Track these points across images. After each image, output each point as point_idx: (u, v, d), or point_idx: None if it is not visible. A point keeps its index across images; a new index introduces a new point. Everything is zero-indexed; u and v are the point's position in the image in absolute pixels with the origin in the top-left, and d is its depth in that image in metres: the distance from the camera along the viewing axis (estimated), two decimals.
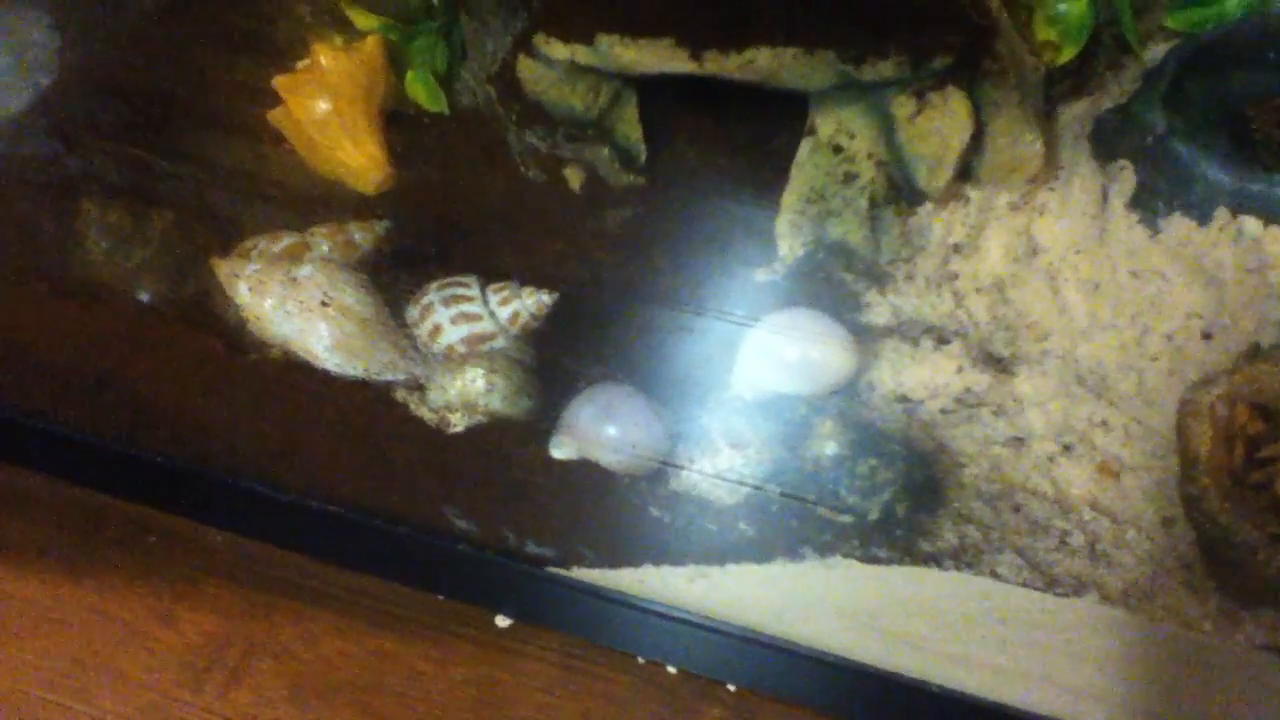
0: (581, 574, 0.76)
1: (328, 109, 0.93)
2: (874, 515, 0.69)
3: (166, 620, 0.83)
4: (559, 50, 0.84)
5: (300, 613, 0.82)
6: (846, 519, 0.70)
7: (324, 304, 0.76)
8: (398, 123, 0.96)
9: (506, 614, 0.81)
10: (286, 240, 0.83)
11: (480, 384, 0.76)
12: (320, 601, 0.83)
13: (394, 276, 0.85)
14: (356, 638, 0.81)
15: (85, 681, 0.80)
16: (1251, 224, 0.77)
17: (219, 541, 0.86)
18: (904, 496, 0.70)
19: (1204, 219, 0.79)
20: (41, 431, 0.85)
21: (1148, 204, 0.82)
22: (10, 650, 0.82)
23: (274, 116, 0.95)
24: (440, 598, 0.82)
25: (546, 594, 0.78)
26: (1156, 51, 0.89)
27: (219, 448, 0.81)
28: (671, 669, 0.77)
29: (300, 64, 0.96)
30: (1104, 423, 0.76)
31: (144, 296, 0.83)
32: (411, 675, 0.79)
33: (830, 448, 0.70)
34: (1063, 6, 0.86)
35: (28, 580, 0.85)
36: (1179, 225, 0.80)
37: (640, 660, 0.78)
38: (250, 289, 0.78)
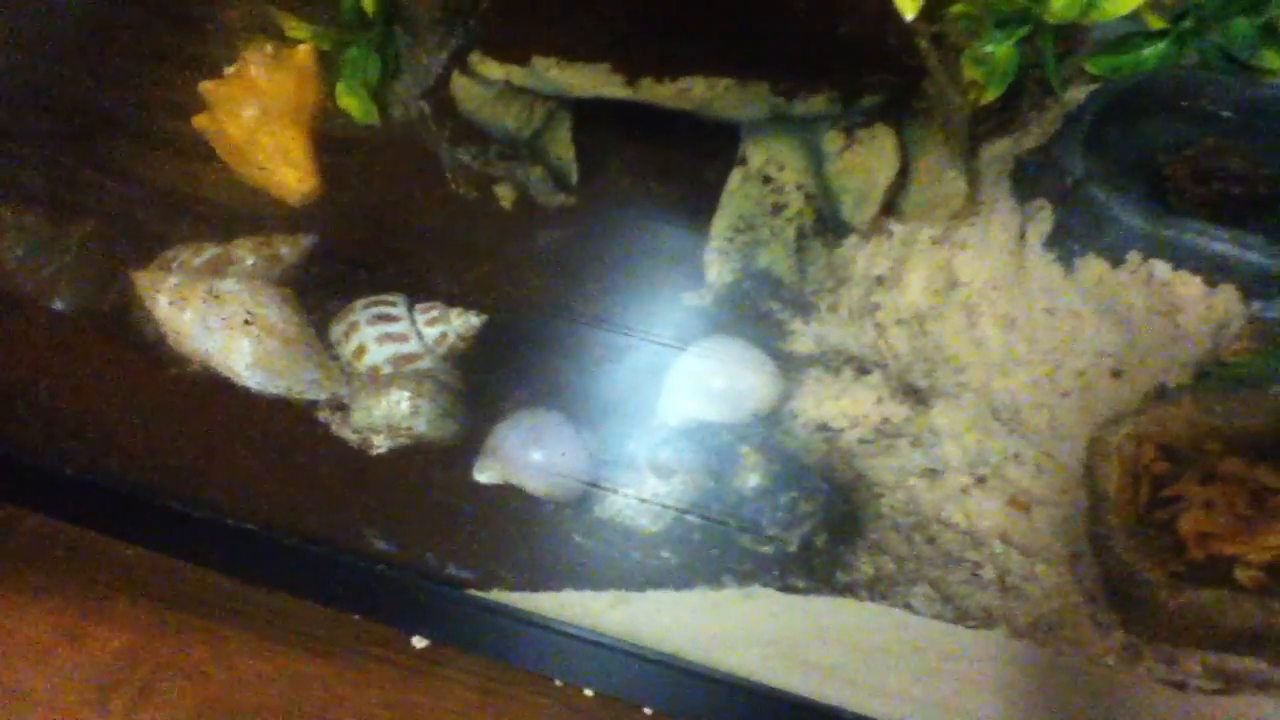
0: (500, 596, 0.76)
1: (255, 116, 0.92)
2: (793, 546, 0.70)
3: (74, 637, 0.81)
4: (495, 70, 0.84)
5: (214, 631, 0.81)
6: (767, 549, 0.71)
7: (247, 322, 0.74)
8: (327, 134, 0.95)
9: (424, 635, 0.80)
10: (209, 252, 0.81)
11: (405, 406, 0.75)
12: (234, 620, 0.81)
13: (318, 293, 0.84)
14: (271, 658, 0.80)
15: None
16: (1162, 268, 0.79)
17: (130, 556, 0.84)
18: (823, 528, 0.71)
19: (1117, 261, 0.81)
20: None
21: (1064, 244, 0.84)
22: None
23: (199, 123, 0.94)
24: (357, 618, 0.81)
25: (465, 616, 0.77)
26: (1078, 94, 0.92)
27: (133, 462, 0.80)
28: (589, 692, 0.77)
29: (228, 70, 0.94)
30: (1016, 456, 0.78)
31: (59, 306, 0.81)
32: (328, 697, 0.78)
33: (753, 479, 0.71)
34: (990, 48, 0.88)
35: None
36: (1093, 266, 0.83)
37: (558, 683, 0.78)
38: (170, 302, 0.76)
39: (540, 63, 0.82)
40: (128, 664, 0.80)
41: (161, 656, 0.80)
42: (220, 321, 0.75)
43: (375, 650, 0.80)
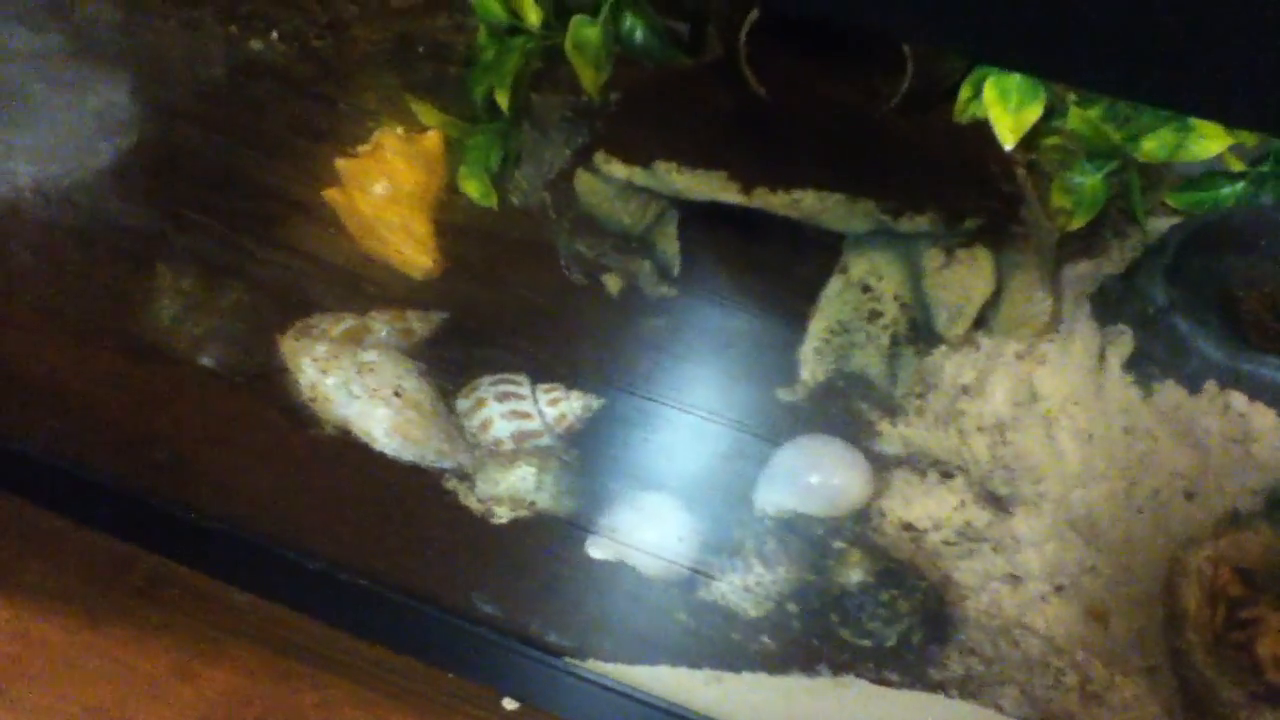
0: (596, 666, 0.80)
1: (384, 194, 0.98)
2: (891, 642, 0.75)
3: (185, 675, 0.85)
4: (618, 170, 0.90)
5: (318, 680, 0.85)
6: (865, 643, 0.75)
7: (396, 393, 0.80)
8: (449, 217, 1.01)
9: (516, 698, 0.84)
10: (347, 322, 0.87)
11: (530, 481, 0.80)
12: (338, 670, 0.85)
13: (443, 365, 0.89)
14: (372, 709, 0.84)
15: None
16: (1239, 399, 0.84)
17: (241, 602, 0.88)
18: (920, 626, 0.75)
19: (1195, 389, 0.86)
20: (80, 479, 0.87)
21: (1143, 368, 0.89)
22: (28, 692, 0.83)
23: (331, 196, 1.00)
24: (451, 676, 0.85)
25: (559, 682, 0.81)
26: (1158, 225, 0.97)
27: (258, 512, 0.84)
28: None
29: (361, 148, 1.01)
30: (1093, 568, 0.82)
31: (207, 363, 0.87)
32: None
33: (856, 575, 0.76)
34: (1079, 179, 0.94)
35: (49, 623, 0.87)
36: (1171, 391, 0.87)
37: None
38: (318, 369, 0.82)
39: (662, 166, 0.88)
40: (237, 704, 0.84)
41: (269, 700, 0.84)
42: (365, 389, 0.80)
43: (468, 709, 0.84)
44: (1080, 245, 0.99)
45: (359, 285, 0.95)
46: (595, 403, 0.85)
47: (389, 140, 1.00)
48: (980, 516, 0.85)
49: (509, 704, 0.84)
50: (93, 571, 0.89)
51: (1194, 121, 0.89)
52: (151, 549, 0.89)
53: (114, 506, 0.88)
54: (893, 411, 0.91)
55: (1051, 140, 0.93)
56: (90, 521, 0.90)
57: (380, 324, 0.87)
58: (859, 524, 0.83)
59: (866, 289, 0.91)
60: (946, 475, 0.87)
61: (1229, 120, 0.76)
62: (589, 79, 0.93)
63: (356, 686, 0.85)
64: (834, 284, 0.91)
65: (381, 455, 0.82)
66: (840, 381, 0.92)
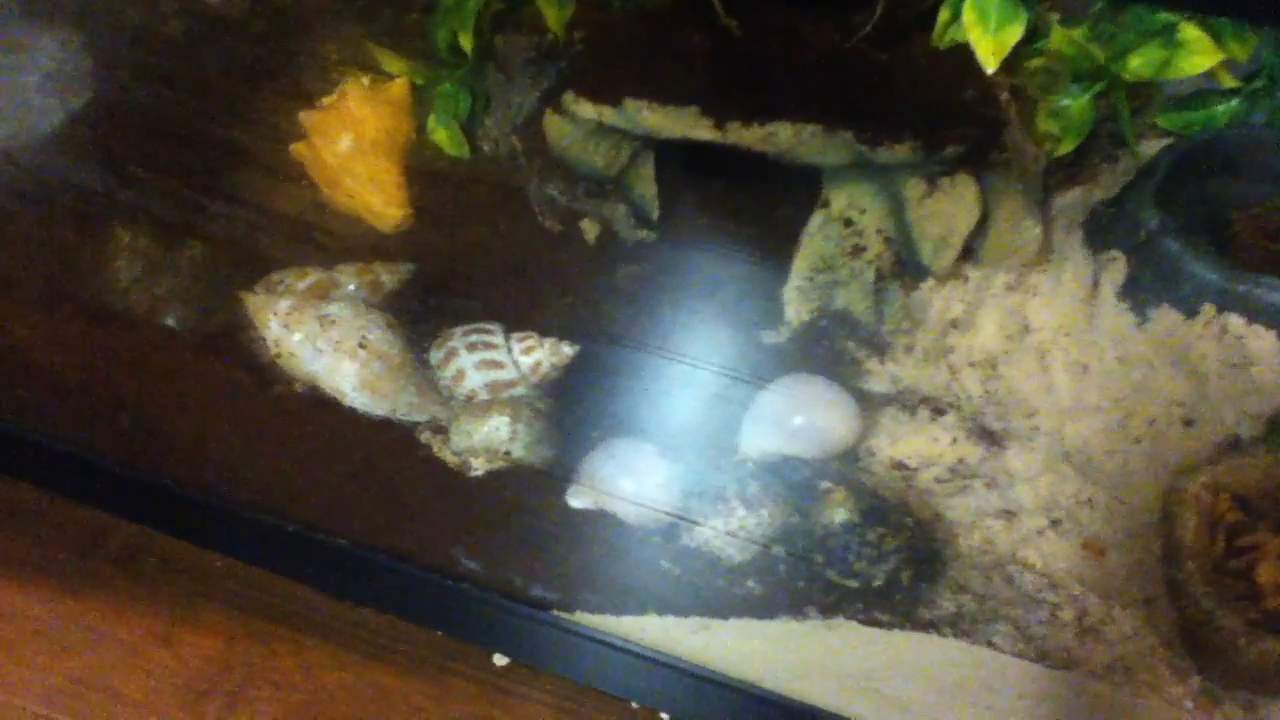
0: (583, 618, 0.78)
1: (350, 146, 0.96)
2: (879, 581, 0.73)
3: (165, 642, 0.84)
4: (587, 110, 0.87)
5: (300, 642, 0.84)
6: (852, 583, 0.73)
7: (361, 346, 0.78)
8: (418, 166, 0.99)
9: (505, 654, 0.82)
10: (313, 277, 0.85)
11: (504, 431, 0.78)
12: (320, 632, 0.84)
13: (413, 317, 0.87)
14: (356, 670, 0.82)
15: (83, 700, 0.80)
16: (1235, 322, 0.81)
17: (219, 566, 0.87)
18: (908, 565, 0.73)
19: (1190, 313, 0.83)
20: (51, 449, 0.86)
21: (1137, 294, 0.86)
22: (8, 666, 0.82)
23: (296, 150, 0.97)
24: (439, 634, 0.84)
25: (547, 636, 0.80)
26: (1149, 148, 0.94)
27: (232, 475, 0.82)
28: (665, 716, 0.79)
29: (326, 100, 0.98)
30: (1089, 501, 0.80)
31: (170, 323, 0.84)
32: (410, 711, 0.80)
33: (841, 515, 0.74)
34: (1065, 102, 0.91)
35: (28, 596, 0.85)
36: (1166, 317, 0.85)
37: (635, 706, 0.80)
38: (282, 324, 0.79)
39: (631, 104, 0.85)
40: (218, 670, 0.82)
41: (250, 665, 0.83)
42: (330, 344, 0.78)
43: (456, 666, 0.82)
44: (1069, 171, 0.96)
45: (326, 239, 0.93)
46: (569, 349, 0.83)
47: (354, 90, 0.97)
48: (973, 452, 0.83)
49: (499, 660, 0.83)
50: (70, 542, 0.88)
51: (1182, 36, 0.86)
52: (125, 517, 0.87)
53: (84, 476, 0.86)
54: (880, 349, 0.89)
55: (1035, 62, 0.90)
56: (62, 491, 0.88)
57: (348, 277, 0.85)
58: (847, 464, 0.81)
59: (849, 223, 0.88)
60: (937, 412, 0.85)
61: (1224, 11, 0.72)
62: (552, 17, 0.90)
63: (339, 648, 0.83)
64: (815, 220, 0.89)
65: (352, 411, 0.80)
66: (825, 321, 0.89)
